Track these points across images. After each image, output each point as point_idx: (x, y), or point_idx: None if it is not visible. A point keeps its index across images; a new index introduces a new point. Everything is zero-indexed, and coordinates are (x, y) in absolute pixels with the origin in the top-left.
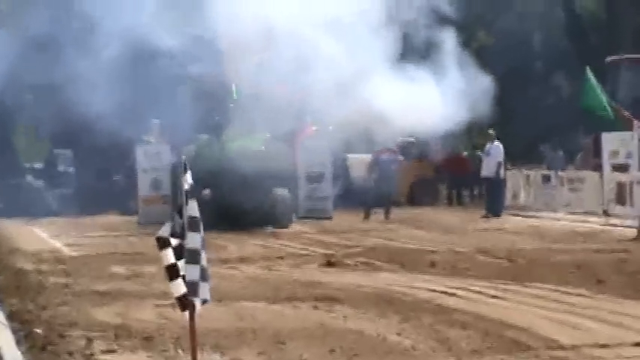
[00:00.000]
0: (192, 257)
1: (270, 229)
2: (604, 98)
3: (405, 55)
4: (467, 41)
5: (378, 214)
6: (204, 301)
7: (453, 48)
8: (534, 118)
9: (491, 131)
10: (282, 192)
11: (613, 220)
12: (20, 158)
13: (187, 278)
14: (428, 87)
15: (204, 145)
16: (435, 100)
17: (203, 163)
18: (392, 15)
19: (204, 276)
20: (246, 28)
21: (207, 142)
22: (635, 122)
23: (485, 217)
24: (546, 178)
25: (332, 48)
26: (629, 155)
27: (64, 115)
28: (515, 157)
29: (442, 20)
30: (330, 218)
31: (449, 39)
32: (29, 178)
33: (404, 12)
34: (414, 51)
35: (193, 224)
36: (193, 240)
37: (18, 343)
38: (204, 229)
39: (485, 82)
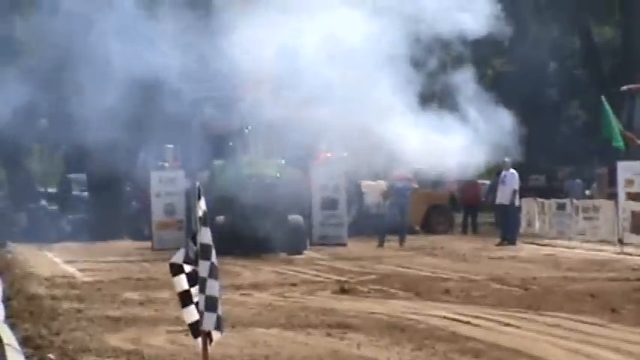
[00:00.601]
0: (200, 286)
1: (283, 255)
2: (617, 128)
3: (425, 95)
4: (483, 69)
5: (392, 242)
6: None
7: (472, 88)
8: (549, 147)
9: (507, 159)
10: (295, 218)
11: (628, 249)
12: (34, 183)
13: (198, 307)
14: (450, 132)
15: (218, 171)
16: (456, 146)
17: (217, 189)
18: (409, 56)
19: (209, 306)
20: (263, 56)
21: (222, 167)
22: None
23: (500, 244)
24: (561, 207)
25: (350, 83)
26: None
27: (78, 139)
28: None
29: (457, 59)
30: (344, 245)
31: (466, 78)
32: (43, 202)
33: (419, 52)
34: (434, 92)
35: (205, 252)
36: (202, 268)
37: None
38: (218, 255)
39: (506, 122)
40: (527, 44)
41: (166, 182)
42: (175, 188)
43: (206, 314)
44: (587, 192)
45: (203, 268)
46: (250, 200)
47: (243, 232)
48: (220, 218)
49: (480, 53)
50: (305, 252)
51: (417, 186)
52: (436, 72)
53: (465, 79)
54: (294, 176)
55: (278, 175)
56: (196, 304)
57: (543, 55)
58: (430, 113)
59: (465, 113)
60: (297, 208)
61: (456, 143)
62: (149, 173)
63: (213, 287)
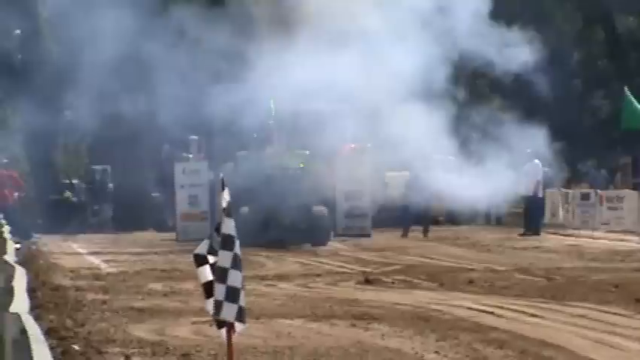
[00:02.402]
0: (220, 276)
1: (307, 246)
2: None
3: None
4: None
5: (416, 232)
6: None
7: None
8: (573, 137)
9: (529, 150)
10: (320, 209)
11: None
12: (59, 174)
13: (215, 297)
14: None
15: (242, 162)
16: (494, 181)
17: (242, 180)
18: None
19: (230, 296)
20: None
21: (246, 158)
22: None
23: (524, 235)
24: (585, 197)
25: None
26: None
27: (103, 131)
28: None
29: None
30: (369, 236)
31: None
32: (67, 194)
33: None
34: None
35: (227, 242)
36: (224, 258)
37: (55, 359)
38: (242, 246)
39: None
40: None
41: (190, 173)
42: (199, 179)
43: (226, 304)
44: (611, 184)
45: (225, 258)
46: (274, 191)
47: (268, 223)
48: (245, 209)
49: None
50: (329, 243)
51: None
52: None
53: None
54: (319, 167)
55: (302, 166)
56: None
57: (567, 46)
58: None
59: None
60: (321, 199)
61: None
62: (173, 164)
63: (235, 278)
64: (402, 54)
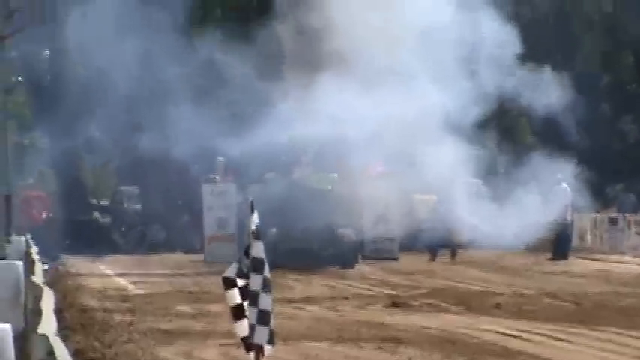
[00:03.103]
0: (251, 299)
1: (335, 268)
2: None
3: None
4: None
5: (444, 256)
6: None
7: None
8: (601, 162)
9: (559, 175)
10: (347, 232)
11: None
12: (87, 195)
13: (248, 320)
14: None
15: (270, 185)
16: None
17: (270, 203)
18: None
19: (261, 319)
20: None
21: (274, 181)
22: None
23: (552, 259)
24: (613, 221)
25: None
26: None
27: (132, 152)
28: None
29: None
30: (396, 259)
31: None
32: (96, 215)
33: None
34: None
35: (257, 265)
36: (254, 282)
37: None
38: (271, 268)
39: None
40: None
41: (218, 195)
42: (227, 201)
43: (258, 327)
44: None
45: (255, 281)
46: (302, 214)
47: (295, 245)
48: (272, 231)
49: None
50: (356, 266)
51: (467, 199)
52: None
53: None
54: (347, 190)
55: (330, 188)
56: (248, 317)
57: (596, 70)
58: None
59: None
60: (348, 221)
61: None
62: (200, 186)
63: (266, 301)
64: (432, 89)
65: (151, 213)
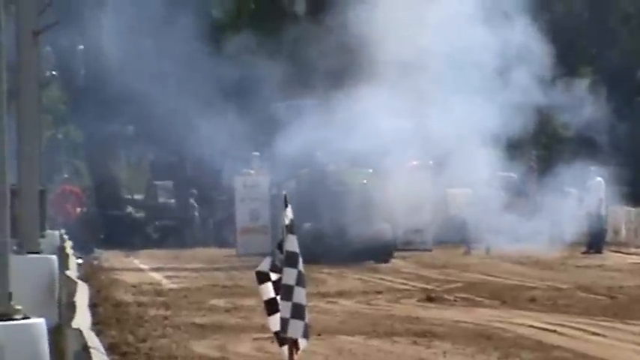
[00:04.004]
0: (285, 293)
1: (371, 263)
2: None
3: None
4: (570, 76)
5: (478, 249)
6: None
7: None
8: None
9: (593, 168)
10: (383, 226)
11: None
12: (121, 190)
13: (280, 314)
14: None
15: (305, 179)
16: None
17: (304, 197)
18: None
19: (296, 313)
20: None
21: (309, 175)
22: None
23: (586, 253)
24: None
25: None
26: None
27: (166, 146)
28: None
29: None
30: (429, 250)
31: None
32: (130, 209)
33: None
34: None
35: (291, 259)
36: (288, 276)
37: None
38: (305, 263)
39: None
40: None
41: (251, 187)
42: (260, 193)
43: (292, 322)
44: None
45: (289, 275)
46: (337, 208)
47: (331, 240)
48: (307, 226)
49: (568, 62)
50: (391, 260)
51: (503, 194)
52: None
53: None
54: (381, 184)
55: (365, 182)
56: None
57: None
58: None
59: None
60: (383, 215)
61: None
62: (234, 181)
63: (300, 295)
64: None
65: (184, 208)
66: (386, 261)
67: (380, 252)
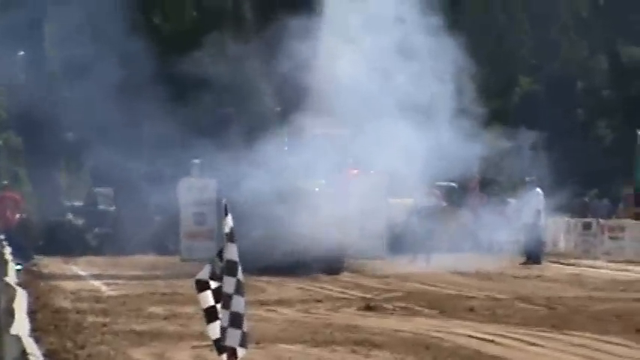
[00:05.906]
0: (224, 302)
1: (321, 275)
2: None
3: None
4: (510, 87)
5: (418, 259)
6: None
7: None
8: (575, 167)
9: (528, 179)
10: (333, 235)
11: None
12: (61, 196)
13: (221, 323)
14: None
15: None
16: None
17: (252, 205)
18: None
19: (234, 322)
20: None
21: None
22: None
23: (525, 264)
24: (587, 226)
25: None
26: None
27: (106, 153)
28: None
29: None
30: (382, 259)
31: None
32: (70, 216)
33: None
34: None
35: (231, 268)
36: (228, 284)
37: None
38: (253, 271)
39: None
40: (556, 64)
41: (196, 191)
42: (206, 197)
43: (230, 330)
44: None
45: (228, 284)
46: (288, 215)
47: (281, 248)
48: (255, 234)
49: (508, 72)
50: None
51: (444, 204)
52: None
53: None
54: (331, 192)
55: (317, 190)
56: (220, 320)
57: (571, 75)
58: None
59: None
60: (335, 224)
61: None
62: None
63: (239, 304)
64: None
65: (124, 214)
66: (337, 273)
67: (330, 263)
